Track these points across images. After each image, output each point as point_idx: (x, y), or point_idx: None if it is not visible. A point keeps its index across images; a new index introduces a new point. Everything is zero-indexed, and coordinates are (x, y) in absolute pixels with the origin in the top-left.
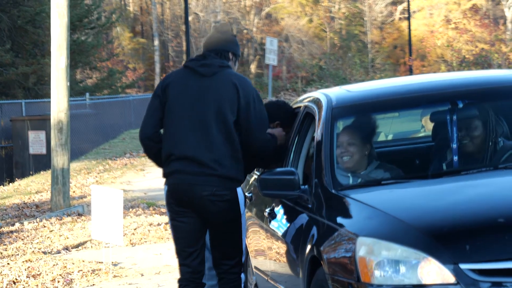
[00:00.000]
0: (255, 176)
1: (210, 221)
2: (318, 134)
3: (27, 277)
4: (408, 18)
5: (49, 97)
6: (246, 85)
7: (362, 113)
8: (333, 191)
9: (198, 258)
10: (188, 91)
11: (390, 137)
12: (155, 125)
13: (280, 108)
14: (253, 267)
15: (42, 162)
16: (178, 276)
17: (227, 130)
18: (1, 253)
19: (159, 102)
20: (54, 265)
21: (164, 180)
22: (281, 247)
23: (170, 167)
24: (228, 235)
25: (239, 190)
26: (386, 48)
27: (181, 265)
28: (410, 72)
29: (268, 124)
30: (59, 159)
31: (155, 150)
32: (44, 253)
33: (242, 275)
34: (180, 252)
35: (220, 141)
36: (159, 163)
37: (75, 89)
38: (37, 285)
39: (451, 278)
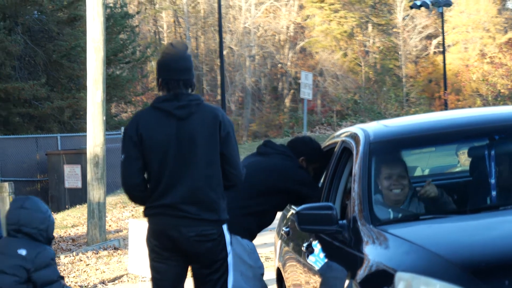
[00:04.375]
0: (292, 211)
1: (198, 262)
2: (355, 169)
3: None
4: (443, 52)
5: (84, 131)
6: (225, 116)
7: (400, 148)
8: (371, 226)
9: None
10: (168, 138)
11: (426, 172)
12: (139, 174)
13: (306, 144)
14: None
15: (78, 196)
16: None
17: (214, 170)
18: None
19: (138, 150)
20: None
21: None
22: (319, 282)
23: (153, 209)
24: (214, 276)
25: (224, 228)
26: (420, 82)
27: None
28: (445, 106)
29: (239, 159)
30: (95, 193)
31: (142, 197)
32: (81, 287)
33: None
34: None
35: (206, 186)
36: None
37: (110, 123)
38: None
39: None
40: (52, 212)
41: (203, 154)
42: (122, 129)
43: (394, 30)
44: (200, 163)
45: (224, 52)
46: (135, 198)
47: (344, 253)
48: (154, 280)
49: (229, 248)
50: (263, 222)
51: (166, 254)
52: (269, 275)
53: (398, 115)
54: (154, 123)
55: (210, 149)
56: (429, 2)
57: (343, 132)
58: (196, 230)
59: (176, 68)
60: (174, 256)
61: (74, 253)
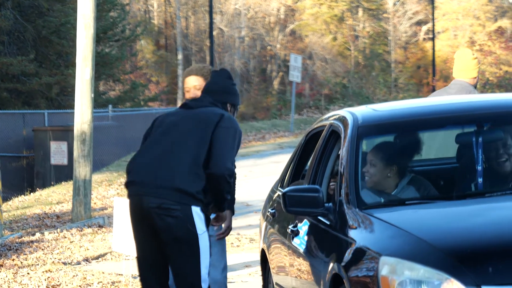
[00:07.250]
0: (278, 193)
1: (160, 238)
2: (343, 152)
3: (46, 287)
4: (433, 39)
5: (72, 108)
6: (230, 119)
7: (388, 132)
8: (357, 209)
9: (157, 286)
10: (169, 120)
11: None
12: None
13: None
14: (274, 283)
15: (63, 173)
16: None
17: (193, 154)
18: (21, 262)
19: (148, 134)
20: (74, 276)
21: None
22: (303, 264)
23: (127, 177)
24: (180, 257)
25: (195, 208)
26: (409, 68)
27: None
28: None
29: (233, 161)
30: (81, 170)
31: None
32: (64, 263)
33: None
34: (139, 272)
35: (183, 158)
36: None
37: (98, 101)
38: None
39: None
40: (38, 189)
41: (188, 138)
42: (110, 107)
43: (385, 15)
44: (182, 143)
45: (214, 33)
46: None
47: (329, 236)
48: (137, 255)
49: (199, 231)
50: None
51: (137, 227)
52: (254, 256)
53: (386, 100)
54: (171, 112)
55: (197, 138)
56: None
57: (332, 115)
58: (156, 201)
59: (204, 89)
60: (144, 230)
61: (58, 229)
